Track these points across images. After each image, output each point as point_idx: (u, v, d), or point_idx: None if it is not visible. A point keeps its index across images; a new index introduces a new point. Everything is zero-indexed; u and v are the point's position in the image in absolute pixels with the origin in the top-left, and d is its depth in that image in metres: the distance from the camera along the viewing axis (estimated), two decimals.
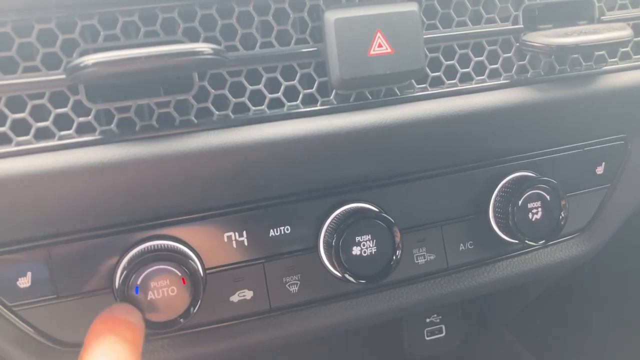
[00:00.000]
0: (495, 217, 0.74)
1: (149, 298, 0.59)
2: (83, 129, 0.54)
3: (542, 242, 0.73)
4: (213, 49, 0.52)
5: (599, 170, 0.80)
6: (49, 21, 0.51)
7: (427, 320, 0.97)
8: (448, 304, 0.99)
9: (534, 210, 0.73)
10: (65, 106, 0.53)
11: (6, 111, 0.52)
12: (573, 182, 0.79)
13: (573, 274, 0.91)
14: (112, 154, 0.53)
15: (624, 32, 0.64)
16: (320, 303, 0.71)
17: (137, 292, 0.59)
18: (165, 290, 0.60)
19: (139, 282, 0.59)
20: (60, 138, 0.53)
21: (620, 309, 0.96)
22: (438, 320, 0.98)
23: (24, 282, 0.61)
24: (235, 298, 0.67)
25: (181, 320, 0.60)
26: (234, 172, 0.59)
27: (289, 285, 0.69)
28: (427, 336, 0.98)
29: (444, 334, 0.98)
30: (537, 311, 1.04)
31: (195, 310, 0.60)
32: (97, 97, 0.54)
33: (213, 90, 0.56)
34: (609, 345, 0.96)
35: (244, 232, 0.66)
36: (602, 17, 0.68)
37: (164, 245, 0.62)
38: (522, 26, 0.65)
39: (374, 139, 0.61)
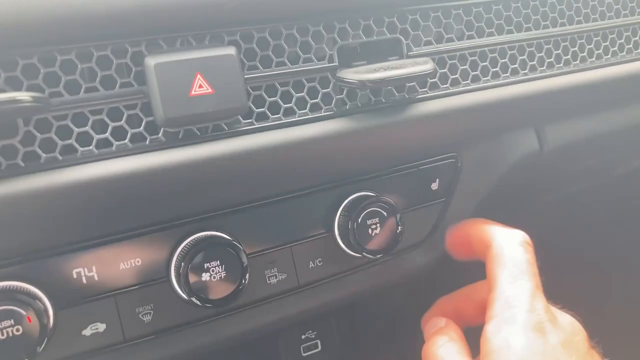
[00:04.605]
0: (341, 234, 0.81)
1: None
2: None
3: (380, 255, 0.80)
4: (32, 96, 0.55)
5: (434, 186, 0.88)
6: None
7: (303, 336, 1.02)
8: (322, 319, 1.05)
9: (373, 226, 0.80)
10: None
11: None
12: (412, 198, 0.87)
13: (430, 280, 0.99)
14: None
15: (426, 66, 0.73)
16: (175, 330, 0.74)
17: None
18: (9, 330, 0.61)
19: None
20: None
21: None
22: (313, 336, 1.03)
23: None
24: (87, 332, 0.69)
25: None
26: (69, 210, 0.61)
27: (142, 315, 0.72)
28: (304, 352, 1.02)
29: (319, 349, 1.03)
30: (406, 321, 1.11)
31: (40, 350, 0.62)
32: None
33: (39, 134, 0.59)
34: None
35: (93, 267, 0.68)
36: (409, 53, 0.77)
37: None
38: (336, 64, 0.73)
39: (206, 172, 0.66)
